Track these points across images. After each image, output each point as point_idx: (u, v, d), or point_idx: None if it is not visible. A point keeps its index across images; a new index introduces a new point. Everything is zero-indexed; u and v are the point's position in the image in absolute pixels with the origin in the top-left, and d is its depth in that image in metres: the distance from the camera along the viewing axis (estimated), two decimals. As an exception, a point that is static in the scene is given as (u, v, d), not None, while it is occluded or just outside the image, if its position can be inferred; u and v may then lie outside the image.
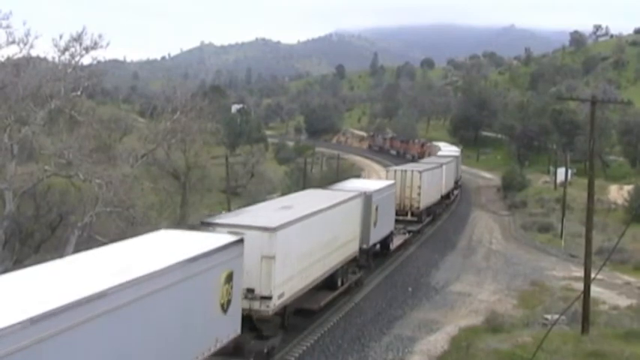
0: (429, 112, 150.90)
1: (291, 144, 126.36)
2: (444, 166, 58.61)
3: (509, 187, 75.52)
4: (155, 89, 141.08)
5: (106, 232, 45.70)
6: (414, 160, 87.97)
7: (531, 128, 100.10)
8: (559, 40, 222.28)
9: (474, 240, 51.16)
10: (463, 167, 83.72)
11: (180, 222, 45.55)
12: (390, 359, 24.06)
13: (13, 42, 40.79)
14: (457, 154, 75.98)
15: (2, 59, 42.90)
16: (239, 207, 38.65)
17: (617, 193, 68.37)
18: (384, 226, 37.15)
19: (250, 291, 21.03)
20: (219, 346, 18.19)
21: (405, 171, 48.66)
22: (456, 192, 70.65)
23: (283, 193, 60.97)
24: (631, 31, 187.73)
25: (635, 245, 46.46)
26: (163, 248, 17.64)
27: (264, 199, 39.71)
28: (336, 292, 28.78)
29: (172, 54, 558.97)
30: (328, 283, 27.83)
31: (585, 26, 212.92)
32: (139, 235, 19.77)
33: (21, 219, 43.64)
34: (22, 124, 42.61)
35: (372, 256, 36.13)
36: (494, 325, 27.45)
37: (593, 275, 25.12)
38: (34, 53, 44.39)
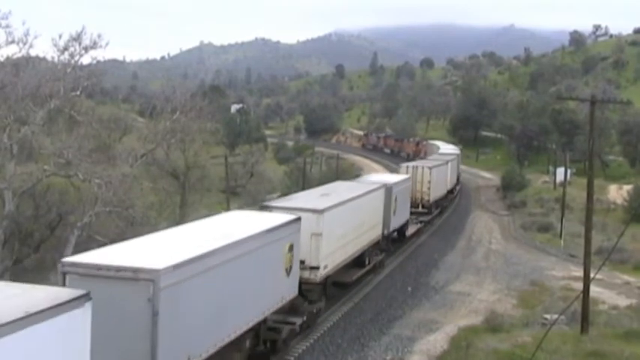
0: (428, 111, 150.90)
1: (290, 144, 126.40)
2: (449, 163, 62.36)
3: (509, 186, 75.54)
4: (154, 89, 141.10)
5: (105, 231, 45.70)
6: (408, 158, 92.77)
7: (531, 128, 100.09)
8: (559, 39, 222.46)
9: (473, 240, 51.18)
10: (463, 167, 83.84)
11: (180, 222, 45.50)
12: (390, 359, 24.06)
13: (13, 42, 40.81)
14: (457, 152, 76.89)
15: (2, 59, 42.91)
16: (239, 206, 38.69)
17: (617, 193, 68.38)
18: (401, 215, 41.52)
19: (302, 262, 24.31)
20: (283, 302, 22.25)
21: (417, 167, 52.82)
22: (457, 187, 73.30)
23: (283, 193, 60.98)
24: (630, 31, 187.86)
25: (634, 245, 46.48)
26: (244, 222, 21.62)
27: (264, 199, 40.15)
28: (364, 270, 33.03)
29: (172, 54, 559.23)
30: (357, 261, 31.93)
31: (585, 26, 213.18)
32: (212, 216, 23.83)
33: (20, 219, 43.62)
34: (22, 123, 42.60)
35: (391, 241, 40.45)
36: (493, 324, 27.44)
37: (592, 275, 25.11)
38: (33, 53, 44.44)
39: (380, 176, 48.40)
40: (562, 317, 25.42)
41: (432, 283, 36.36)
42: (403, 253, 42.91)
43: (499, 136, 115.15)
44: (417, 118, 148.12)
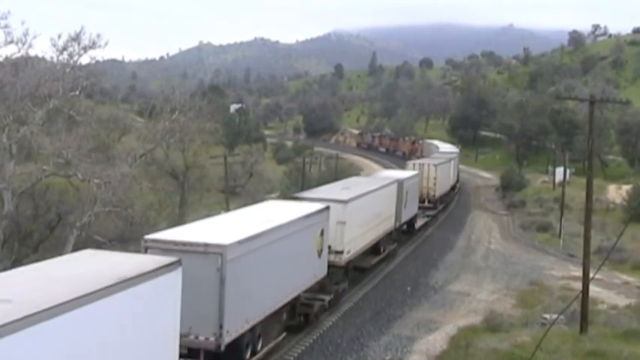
0: (427, 111, 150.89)
1: (289, 144, 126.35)
2: (452, 161, 65.81)
3: (508, 186, 75.56)
4: (154, 89, 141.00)
5: (104, 231, 45.69)
6: (404, 157, 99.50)
7: (530, 128, 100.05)
8: (558, 39, 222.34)
9: (472, 240, 51.20)
10: (462, 167, 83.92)
11: (179, 222, 45.50)
12: (389, 359, 24.06)
13: (12, 42, 40.77)
14: (457, 151, 77.73)
15: (1, 59, 42.89)
16: (238, 206, 38.69)
17: (616, 193, 68.39)
18: (411, 208, 44.75)
19: (328, 247, 27.12)
20: (314, 281, 25.51)
21: (423, 164, 55.89)
22: (457, 185, 75.29)
23: (282, 193, 60.98)
24: (630, 31, 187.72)
25: (633, 245, 46.47)
26: (283, 210, 24.65)
27: (263, 199, 40.32)
28: (380, 257, 36.71)
29: (171, 53, 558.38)
30: (374, 249, 35.28)
31: (584, 26, 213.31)
32: (250, 205, 27.71)
33: (20, 219, 43.61)
34: (21, 123, 42.58)
35: (401, 233, 43.71)
36: (493, 324, 27.46)
37: (591, 275, 25.12)
38: (32, 53, 44.40)
39: (392, 172, 51.83)
40: (561, 317, 25.42)
41: (431, 282, 36.36)
42: (414, 243, 46.79)
43: (498, 135, 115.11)
44: (417, 117, 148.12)
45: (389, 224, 38.12)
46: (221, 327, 18.23)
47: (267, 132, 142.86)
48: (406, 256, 42.10)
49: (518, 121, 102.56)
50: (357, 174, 68.00)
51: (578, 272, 30.55)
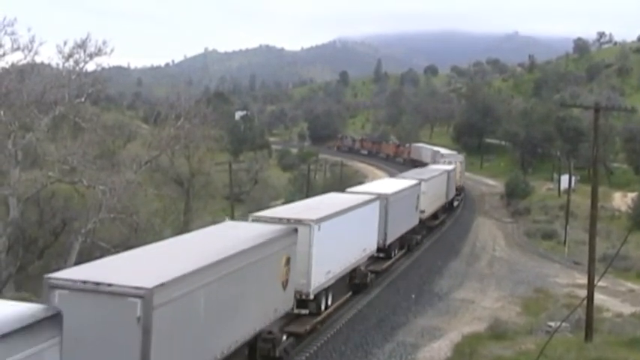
0: (432, 118, 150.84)
1: (294, 151, 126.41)
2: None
3: (513, 194, 75.43)
4: (159, 96, 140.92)
5: (109, 238, 45.73)
6: (387, 158, 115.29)
7: (535, 135, 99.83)
8: (563, 47, 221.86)
9: (477, 247, 51.12)
10: (466, 174, 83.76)
11: (184, 229, 45.54)
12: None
13: (18, 48, 40.94)
14: (457, 160, 75.84)
15: (7, 66, 43.04)
16: (243, 213, 38.78)
17: (621, 200, 68.27)
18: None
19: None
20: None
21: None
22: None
23: (287, 200, 60.96)
24: (635, 38, 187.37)
25: (638, 252, 46.37)
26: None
27: (268, 206, 40.31)
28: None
29: (176, 60, 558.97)
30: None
31: (589, 33, 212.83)
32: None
33: (25, 225, 43.67)
34: (26, 130, 42.72)
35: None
36: (497, 332, 27.41)
37: (596, 282, 25.07)
38: (38, 60, 44.57)
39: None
40: (566, 324, 25.38)
41: (435, 290, 36.32)
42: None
43: (503, 143, 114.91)
44: (421, 125, 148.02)
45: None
46: None
47: (272, 139, 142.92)
48: (410, 264, 42.06)
49: (523, 129, 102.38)
50: (361, 182, 68.00)
51: (583, 280, 30.54)
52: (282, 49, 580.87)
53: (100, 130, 51.47)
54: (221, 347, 17.80)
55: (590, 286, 25.36)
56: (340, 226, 27.10)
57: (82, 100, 44.33)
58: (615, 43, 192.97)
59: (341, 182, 68.33)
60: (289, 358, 23.06)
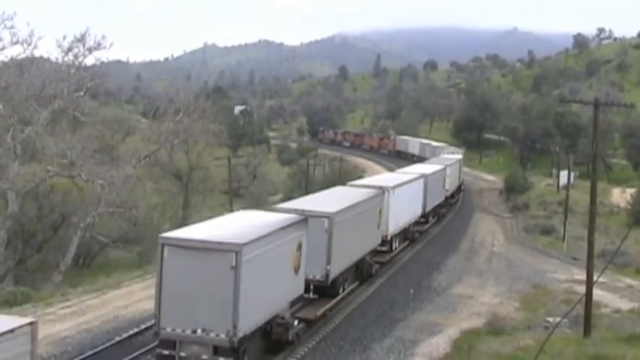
0: (431, 114, 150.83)
1: (293, 145, 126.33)
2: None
3: (512, 189, 75.46)
4: (158, 90, 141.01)
5: (108, 232, 45.71)
6: (371, 150, 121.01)
7: (534, 131, 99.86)
8: (562, 42, 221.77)
9: (476, 242, 51.13)
10: (465, 169, 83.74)
11: (183, 223, 45.57)
12: (392, 361, 24.04)
13: (17, 42, 40.98)
14: (454, 157, 75.98)
15: (6, 59, 43.04)
16: (242, 208, 38.73)
17: (620, 196, 68.30)
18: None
19: None
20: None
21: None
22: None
23: (285, 195, 60.95)
24: (634, 34, 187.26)
25: (637, 248, 46.39)
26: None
27: (266, 201, 40.43)
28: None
29: (175, 55, 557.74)
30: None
31: (589, 29, 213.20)
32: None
33: (24, 219, 43.68)
34: (26, 124, 42.70)
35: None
36: (496, 327, 27.41)
37: (595, 278, 25.08)
38: (37, 54, 44.59)
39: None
40: (564, 320, 25.40)
41: (434, 285, 36.31)
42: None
43: (502, 138, 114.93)
44: (421, 120, 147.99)
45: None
46: None
47: (271, 134, 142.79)
48: (409, 258, 42.13)
49: (522, 124, 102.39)
50: (360, 176, 67.97)
51: (582, 276, 30.53)
52: (281, 44, 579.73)
53: (99, 124, 51.46)
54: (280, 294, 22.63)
55: (589, 283, 25.37)
56: (406, 193, 40.23)
57: (81, 94, 44.35)
58: (615, 39, 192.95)
59: (340, 177, 68.25)
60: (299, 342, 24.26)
